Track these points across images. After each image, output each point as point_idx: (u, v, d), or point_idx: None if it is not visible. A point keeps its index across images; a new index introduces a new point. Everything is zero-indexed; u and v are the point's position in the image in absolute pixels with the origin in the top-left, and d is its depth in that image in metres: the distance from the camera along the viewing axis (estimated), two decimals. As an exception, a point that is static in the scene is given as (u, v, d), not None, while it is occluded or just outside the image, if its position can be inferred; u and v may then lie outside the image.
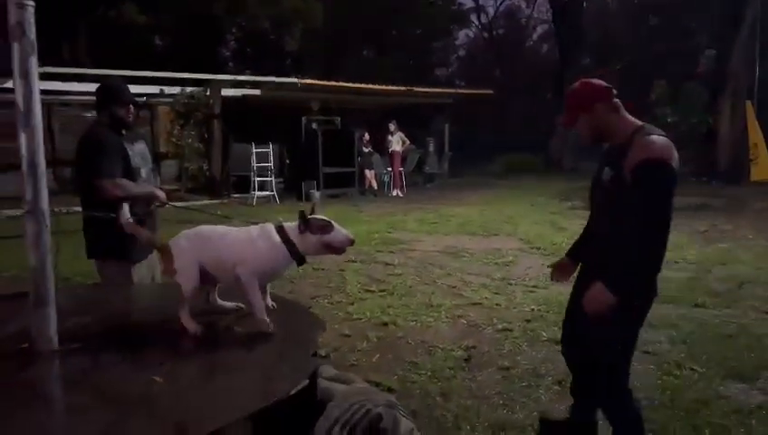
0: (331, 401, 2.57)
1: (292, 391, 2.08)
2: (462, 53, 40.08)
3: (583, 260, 2.53)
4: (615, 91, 2.28)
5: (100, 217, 2.99)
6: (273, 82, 13.79)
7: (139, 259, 3.40)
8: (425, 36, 31.11)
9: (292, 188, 14.09)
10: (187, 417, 1.78)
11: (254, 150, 12.88)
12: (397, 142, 14.50)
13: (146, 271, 3.50)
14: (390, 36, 29.58)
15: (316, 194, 13.10)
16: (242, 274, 2.37)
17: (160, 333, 2.48)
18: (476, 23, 36.82)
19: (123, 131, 3.35)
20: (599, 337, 2.26)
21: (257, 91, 13.89)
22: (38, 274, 2.28)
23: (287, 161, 15.30)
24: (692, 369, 3.52)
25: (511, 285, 5.62)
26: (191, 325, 2.42)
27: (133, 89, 3.63)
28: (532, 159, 20.70)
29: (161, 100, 13.45)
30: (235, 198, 13.22)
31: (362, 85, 14.63)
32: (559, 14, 23.11)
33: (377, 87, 14.97)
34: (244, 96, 13.74)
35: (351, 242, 2.37)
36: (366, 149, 14.44)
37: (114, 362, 2.24)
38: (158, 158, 13.31)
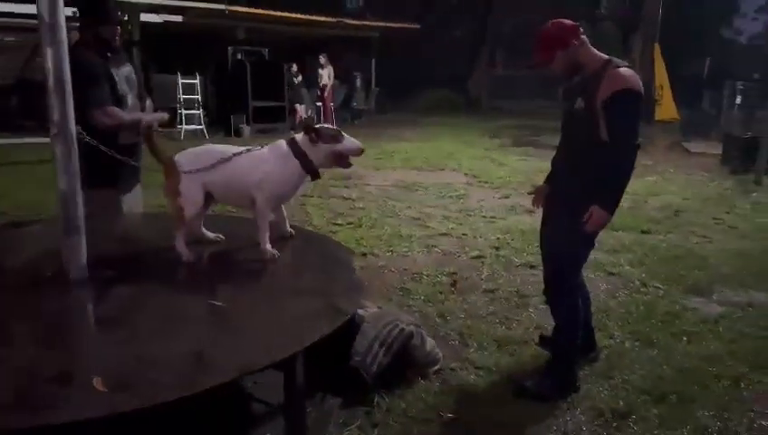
0: (363, 323, 2.66)
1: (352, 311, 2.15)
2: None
3: (552, 184, 2.77)
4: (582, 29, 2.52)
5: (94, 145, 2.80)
6: (199, 8, 12.91)
7: (128, 189, 3.27)
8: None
9: (219, 121, 13.53)
10: (275, 337, 1.81)
11: (181, 81, 12.20)
12: (328, 76, 14.21)
13: (132, 201, 3.37)
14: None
15: (246, 129, 12.69)
16: (258, 198, 2.27)
17: (189, 262, 2.40)
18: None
19: (108, 54, 3.11)
20: (565, 246, 2.59)
21: (179, 18, 12.98)
22: (68, 199, 2.18)
23: (211, 95, 14.61)
24: (655, 287, 3.91)
25: (470, 216, 5.85)
26: (185, 252, 2.33)
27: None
28: (453, 97, 20.92)
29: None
30: (161, 131, 12.53)
31: (292, 15, 14.03)
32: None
33: (306, 17, 14.42)
34: (165, 22, 12.81)
35: (361, 151, 2.31)
36: (296, 79, 14.02)
37: (158, 289, 2.19)
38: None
